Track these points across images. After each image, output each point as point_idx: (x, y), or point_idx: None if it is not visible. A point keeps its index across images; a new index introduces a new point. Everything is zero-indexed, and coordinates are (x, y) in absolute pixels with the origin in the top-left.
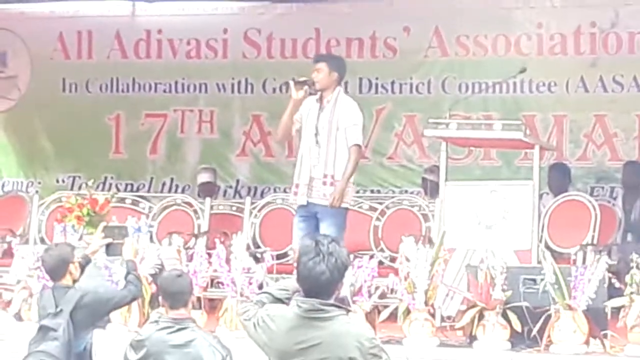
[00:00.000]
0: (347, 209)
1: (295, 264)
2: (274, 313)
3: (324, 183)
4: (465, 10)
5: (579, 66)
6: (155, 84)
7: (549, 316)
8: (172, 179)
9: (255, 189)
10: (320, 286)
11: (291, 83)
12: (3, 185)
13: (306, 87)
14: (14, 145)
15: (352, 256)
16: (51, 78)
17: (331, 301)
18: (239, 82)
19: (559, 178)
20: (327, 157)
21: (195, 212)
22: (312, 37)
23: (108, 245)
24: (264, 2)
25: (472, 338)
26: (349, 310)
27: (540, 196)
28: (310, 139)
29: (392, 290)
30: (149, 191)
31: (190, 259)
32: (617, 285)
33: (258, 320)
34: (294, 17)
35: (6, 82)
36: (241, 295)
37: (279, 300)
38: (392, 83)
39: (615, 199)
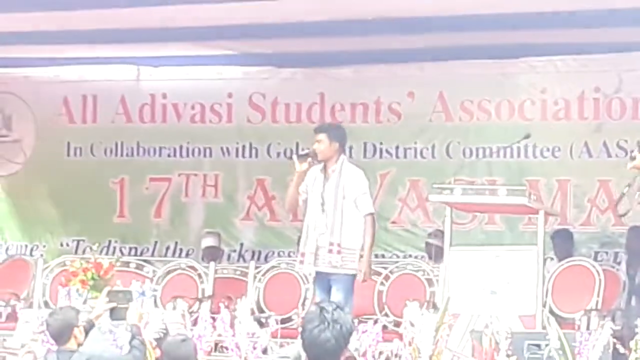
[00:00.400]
0: (355, 275)
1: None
2: None
3: (330, 251)
4: (469, 75)
5: (583, 131)
6: (160, 148)
7: None
8: (176, 243)
9: (260, 253)
10: (326, 353)
11: (294, 157)
12: (7, 249)
13: (309, 159)
14: (19, 208)
15: (356, 321)
16: (56, 142)
17: None
18: (244, 147)
19: (562, 243)
20: (333, 226)
21: (200, 276)
22: (316, 102)
23: (112, 310)
24: (268, 67)
25: None
26: None
27: (545, 261)
28: (317, 208)
29: (396, 355)
30: (153, 255)
31: (194, 323)
32: (622, 351)
33: None
34: (298, 81)
35: (11, 146)
36: None
37: None
38: (397, 148)
39: (619, 263)
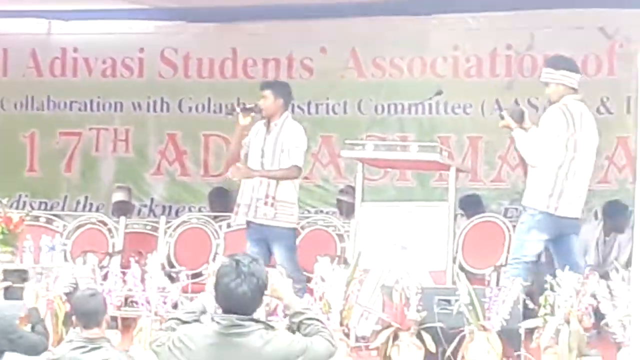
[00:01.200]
0: (295, 229)
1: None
2: (191, 332)
3: (265, 203)
4: (381, 32)
5: (495, 88)
6: (71, 102)
7: (463, 337)
8: (86, 198)
9: (170, 208)
10: (241, 306)
11: (238, 110)
12: None
13: (253, 113)
14: None
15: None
16: None
17: (249, 316)
18: (155, 101)
19: (472, 206)
20: (269, 179)
21: (110, 230)
22: (228, 57)
23: (7, 289)
24: (180, 22)
25: (387, 358)
26: (269, 326)
27: (455, 217)
28: (256, 161)
29: None
30: (63, 209)
31: (104, 277)
32: (531, 306)
33: (173, 342)
34: (210, 36)
35: None
36: (155, 314)
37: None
38: (309, 103)
39: None
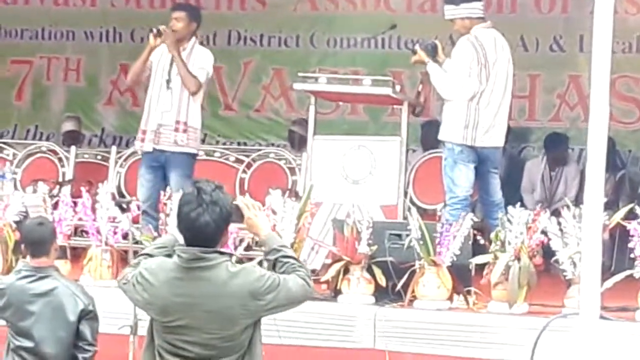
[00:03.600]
0: (195, 156)
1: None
2: (153, 266)
3: (176, 129)
4: None
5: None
6: (22, 30)
7: (414, 272)
8: (36, 127)
9: (121, 138)
10: (204, 237)
11: (150, 32)
12: None
13: (163, 35)
14: None
15: None
16: None
17: (214, 248)
18: (107, 31)
19: (430, 133)
20: (180, 104)
21: (60, 160)
22: None
23: None
24: None
25: (337, 292)
26: (232, 256)
27: (407, 152)
28: (162, 85)
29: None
30: (13, 138)
31: (55, 206)
32: (482, 242)
33: (137, 278)
34: None
35: None
36: (106, 244)
37: None
38: (261, 36)
39: None
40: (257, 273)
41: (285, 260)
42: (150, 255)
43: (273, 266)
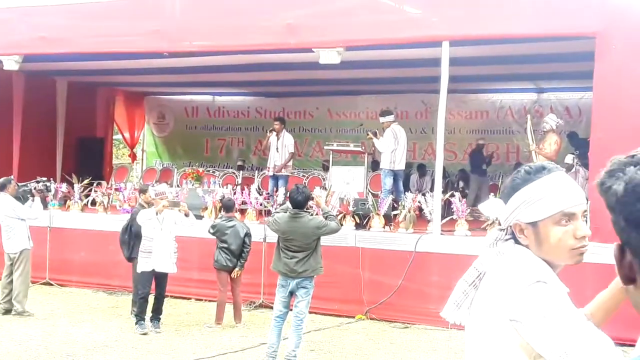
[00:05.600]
0: (289, 175)
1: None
2: (279, 216)
3: (284, 167)
4: None
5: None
6: None
7: (369, 218)
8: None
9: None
10: (299, 204)
11: (269, 133)
12: None
13: (274, 133)
14: None
15: None
16: None
17: (303, 209)
18: (251, 128)
19: (376, 165)
20: (282, 158)
21: None
22: None
23: None
24: None
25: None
26: (311, 214)
27: (367, 172)
28: (274, 150)
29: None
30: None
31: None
32: (395, 206)
33: (275, 220)
34: None
35: None
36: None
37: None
38: (312, 128)
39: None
40: (319, 219)
41: (329, 216)
42: (277, 212)
43: (325, 218)
